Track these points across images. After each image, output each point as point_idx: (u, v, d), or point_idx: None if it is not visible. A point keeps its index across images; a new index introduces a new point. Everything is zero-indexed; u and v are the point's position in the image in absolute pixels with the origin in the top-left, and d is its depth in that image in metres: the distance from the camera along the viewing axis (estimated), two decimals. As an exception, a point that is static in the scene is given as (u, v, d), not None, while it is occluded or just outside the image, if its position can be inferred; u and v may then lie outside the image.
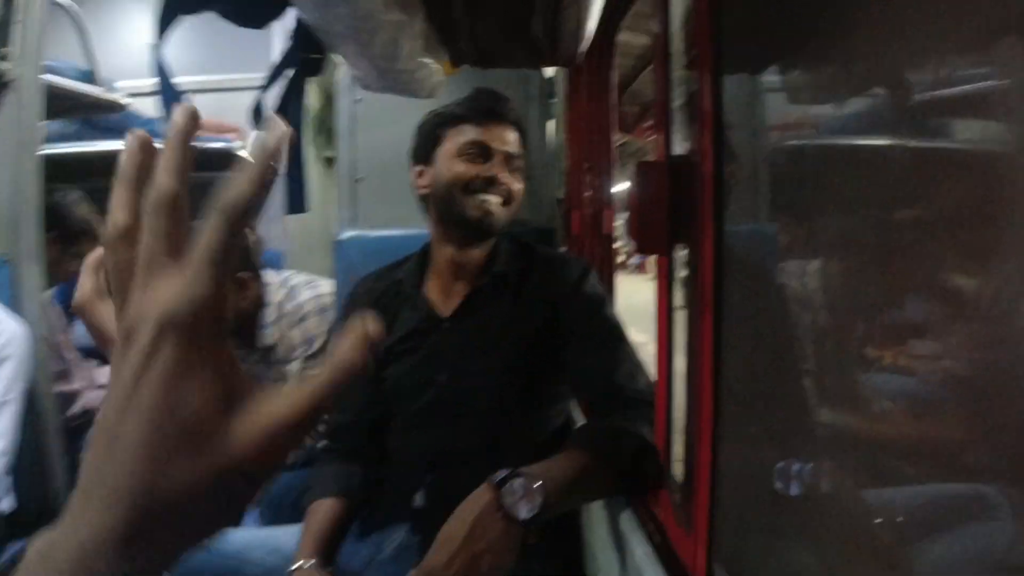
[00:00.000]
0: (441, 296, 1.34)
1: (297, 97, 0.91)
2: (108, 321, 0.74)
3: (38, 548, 0.30)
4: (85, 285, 0.72)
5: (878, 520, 0.56)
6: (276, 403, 0.32)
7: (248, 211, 0.32)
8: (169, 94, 0.71)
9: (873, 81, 0.56)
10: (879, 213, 0.55)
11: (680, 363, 0.94)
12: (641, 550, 0.90)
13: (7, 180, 1.79)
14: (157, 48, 0.71)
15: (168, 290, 0.30)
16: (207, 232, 0.31)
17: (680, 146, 0.85)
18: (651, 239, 0.81)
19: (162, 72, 0.69)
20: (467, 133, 1.29)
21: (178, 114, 0.34)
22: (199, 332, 0.30)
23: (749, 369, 0.80)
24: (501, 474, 0.93)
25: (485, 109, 1.29)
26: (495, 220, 1.28)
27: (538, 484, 0.92)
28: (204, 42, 3.32)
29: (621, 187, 1.57)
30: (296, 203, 0.97)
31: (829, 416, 0.67)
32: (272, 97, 1.00)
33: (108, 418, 0.30)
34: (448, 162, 1.29)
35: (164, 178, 0.32)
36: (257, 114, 0.94)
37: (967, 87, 0.45)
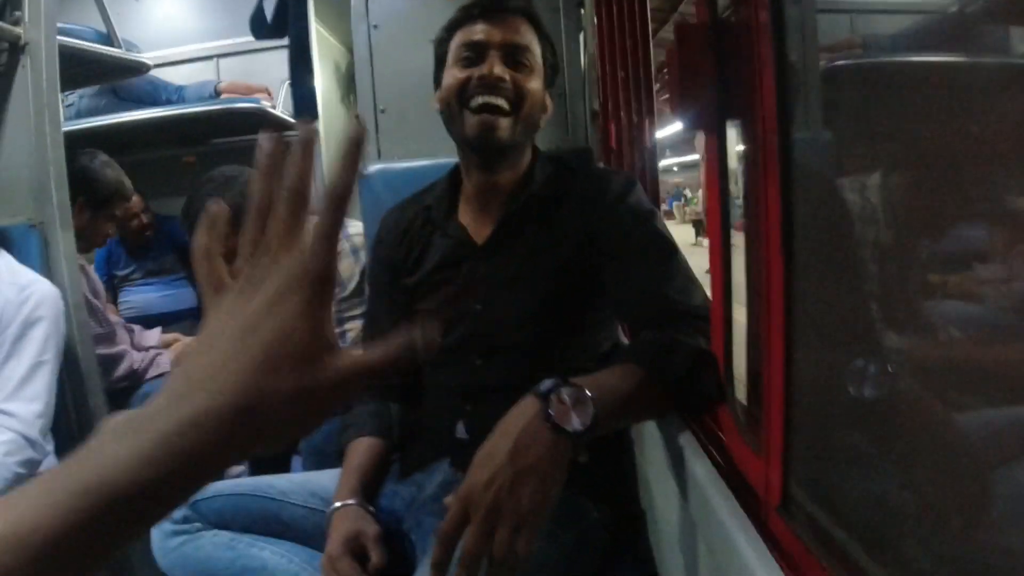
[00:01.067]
0: (474, 222, 1.24)
1: (300, 1, 0.82)
2: None
3: (113, 425, 0.37)
4: None
5: (962, 441, 0.50)
6: (352, 356, 0.42)
7: (347, 195, 0.43)
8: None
9: None
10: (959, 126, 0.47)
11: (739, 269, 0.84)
12: (704, 473, 0.81)
13: (30, 146, 1.78)
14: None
15: (297, 254, 0.41)
16: (323, 215, 0.41)
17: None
18: (698, 113, 0.71)
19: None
20: (464, 36, 1.18)
21: (303, 130, 0.44)
22: (316, 290, 0.40)
23: (824, 272, 0.68)
24: (547, 383, 0.82)
25: (482, 2, 1.18)
26: (499, 134, 1.14)
27: (589, 393, 0.82)
28: (229, 7, 3.30)
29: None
30: (305, 108, 0.89)
31: (911, 332, 0.58)
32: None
33: (222, 335, 0.40)
34: (447, 73, 1.19)
35: (296, 177, 0.42)
36: (256, 23, 0.86)
37: None
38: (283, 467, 2.00)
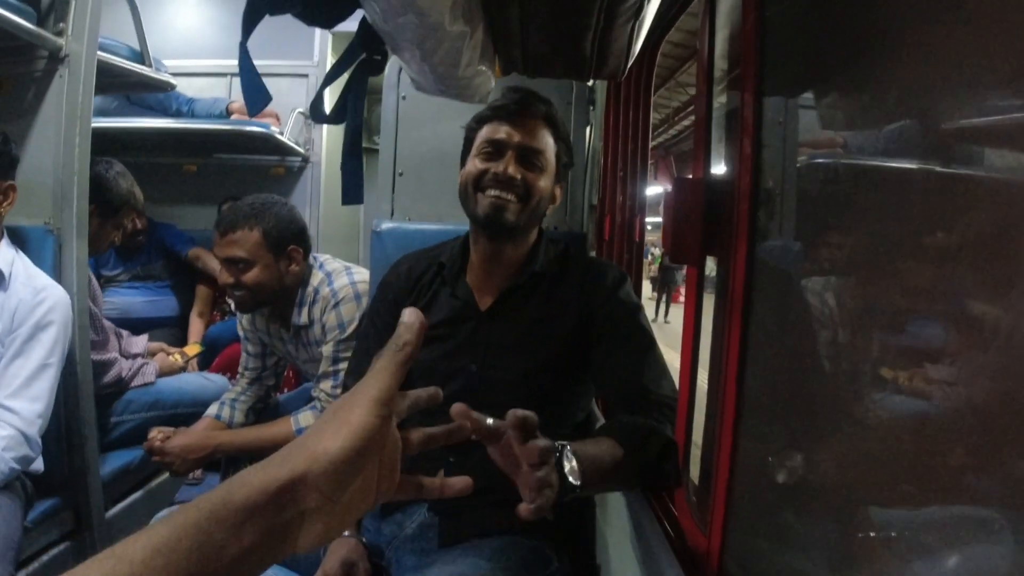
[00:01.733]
0: (479, 288, 1.38)
1: (358, 94, 0.96)
2: None
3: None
4: None
5: (885, 534, 0.59)
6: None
7: (408, 362, 0.58)
8: (254, 91, 0.76)
9: (907, 108, 0.58)
10: (906, 235, 0.57)
11: (703, 372, 1.00)
12: (656, 540, 0.95)
13: (57, 152, 1.85)
14: (243, 46, 0.76)
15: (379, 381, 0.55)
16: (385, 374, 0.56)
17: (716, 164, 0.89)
18: (685, 250, 0.86)
19: (247, 69, 0.74)
20: (489, 132, 1.31)
21: (410, 316, 0.60)
22: (382, 427, 0.53)
23: (771, 380, 0.83)
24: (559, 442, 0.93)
25: (508, 106, 1.31)
26: (507, 217, 1.28)
27: (577, 456, 0.93)
28: (249, 28, 3.38)
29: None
30: (352, 195, 1.02)
31: (846, 429, 0.68)
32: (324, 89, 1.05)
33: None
34: (470, 161, 1.33)
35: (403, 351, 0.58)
36: (316, 109, 0.99)
37: (998, 118, 0.48)
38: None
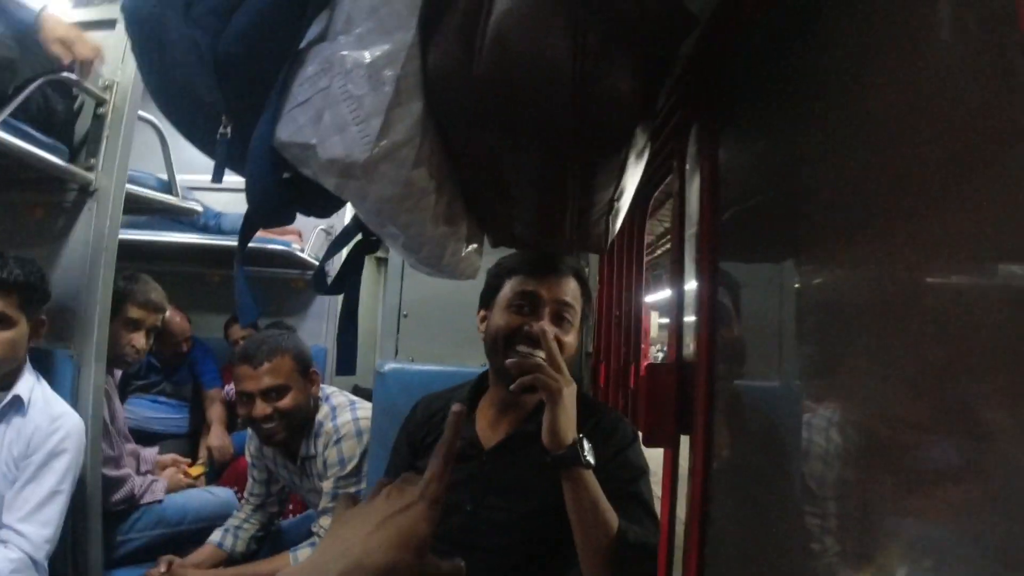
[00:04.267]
0: (488, 427, 1.39)
1: (355, 270, 1.02)
2: None
3: None
4: None
5: None
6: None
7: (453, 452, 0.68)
8: (246, 306, 0.81)
9: (861, 288, 0.60)
10: (858, 410, 0.59)
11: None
12: None
13: (81, 279, 1.94)
14: (239, 263, 0.82)
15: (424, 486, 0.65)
16: (435, 462, 0.66)
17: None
18: (659, 434, 0.89)
19: (241, 285, 0.80)
20: (520, 284, 1.32)
21: (455, 410, 0.70)
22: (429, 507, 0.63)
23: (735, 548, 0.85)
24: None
25: (540, 262, 1.32)
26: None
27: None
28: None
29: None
30: (345, 367, 1.07)
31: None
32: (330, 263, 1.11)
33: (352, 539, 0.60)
34: (499, 312, 1.33)
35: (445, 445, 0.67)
36: (319, 281, 1.05)
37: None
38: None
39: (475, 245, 1.00)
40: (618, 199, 0.88)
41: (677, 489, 0.95)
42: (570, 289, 1.33)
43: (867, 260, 0.60)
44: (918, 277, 0.52)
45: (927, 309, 0.51)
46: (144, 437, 2.57)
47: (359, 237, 1.02)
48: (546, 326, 1.27)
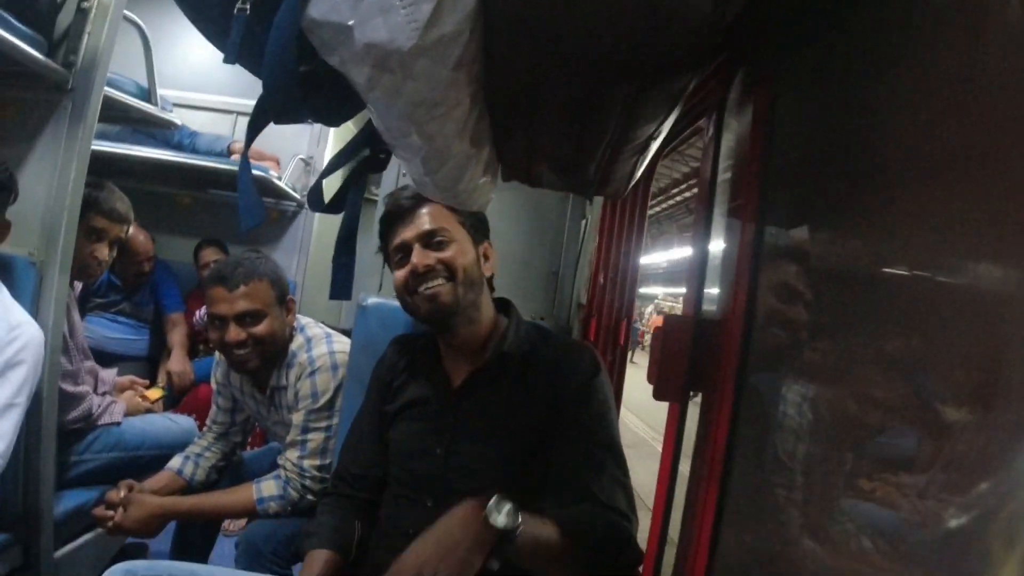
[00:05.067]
0: (452, 370, 1.37)
1: (358, 188, 0.95)
2: None
3: None
4: None
5: None
6: None
7: None
8: (250, 207, 0.75)
9: (907, 250, 0.58)
10: (901, 376, 0.56)
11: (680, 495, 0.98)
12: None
13: (50, 184, 1.82)
14: (245, 157, 0.75)
15: None
16: None
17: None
18: (669, 387, 0.85)
19: (246, 184, 0.73)
20: (392, 238, 1.36)
21: None
22: None
23: (751, 507, 0.82)
24: (491, 494, 1.02)
25: (398, 209, 1.35)
26: (443, 300, 1.29)
27: (520, 512, 1.02)
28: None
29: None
30: (340, 290, 1.01)
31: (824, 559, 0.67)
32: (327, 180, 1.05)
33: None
34: (394, 275, 1.36)
35: None
36: (314, 197, 0.99)
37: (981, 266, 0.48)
38: (207, 548, 2.03)
39: (489, 177, 0.94)
40: (656, 137, 0.83)
41: (681, 447, 0.92)
42: (434, 215, 1.33)
43: (930, 224, 0.55)
44: (991, 244, 0.48)
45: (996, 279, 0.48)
46: (101, 357, 2.46)
47: (366, 153, 0.96)
48: (424, 259, 1.29)
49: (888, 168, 0.60)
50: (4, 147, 1.82)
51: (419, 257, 1.30)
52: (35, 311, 1.75)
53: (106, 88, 1.98)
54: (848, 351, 0.66)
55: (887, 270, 0.61)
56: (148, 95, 2.30)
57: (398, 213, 1.34)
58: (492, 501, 1.01)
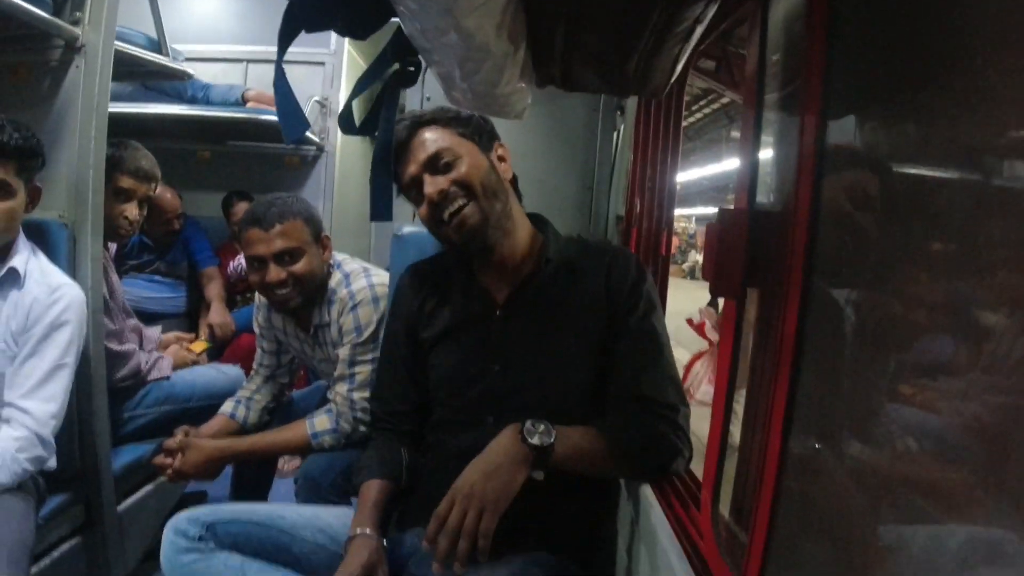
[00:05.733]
0: (493, 285, 1.35)
1: (390, 106, 0.92)
2: None
3: None
4: None
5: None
6: None
7: None
8: (291, 116, 0.73)
9: (988, 130, 0.54)
10: (990, 267, 0.52)
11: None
12: (679, 565, 0.93)
13: (72, 144, 1.82)
14: (279, 67, 0.72)
15: None
16: None
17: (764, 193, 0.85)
18: (726, 282, 0.83)
19: (283, 92, 0.71)
20: (404, 172, 1.31)
21: None
22: None
23: (820, 414, 0.80)
24: (529, 421, 1.14)
25: (403, 139, 1.30)
26: (474, 224, 1.27)
27: (554, 429, 1.13)
28: (261, 13, 3.34)
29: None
30: (381, 211, 0.99)
31: (898, 465, 0.64)
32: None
33: None
34: (417, 211, 1.34)
35: None
36: (346, 119, 0.96)
37: None
38: (264, 489, 2.08)
39: (526, 81, 0.91)
40: (701, 20, 0.78)
41: (740, 345, 0.90)
42: (434, 136, 1.30)
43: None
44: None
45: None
46: (142, 318, 2.49)
47: (394, 67, 0.92)
48: (435, 187, 1.27)
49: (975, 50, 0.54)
50: (22, 112, 1.79)
51: (431, 186, 1.27)
52: (72, 272, 1.76)
53: (116, 42, 1.96)
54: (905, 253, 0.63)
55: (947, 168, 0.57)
56: (159, 47, 2.25)
57: (399, 150, 1.30)
58: (527, 424, 1.13)
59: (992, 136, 0.53)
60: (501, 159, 1.36)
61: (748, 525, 0.84)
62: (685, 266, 15.90)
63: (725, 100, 9.47)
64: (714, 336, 4.23)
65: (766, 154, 0.87)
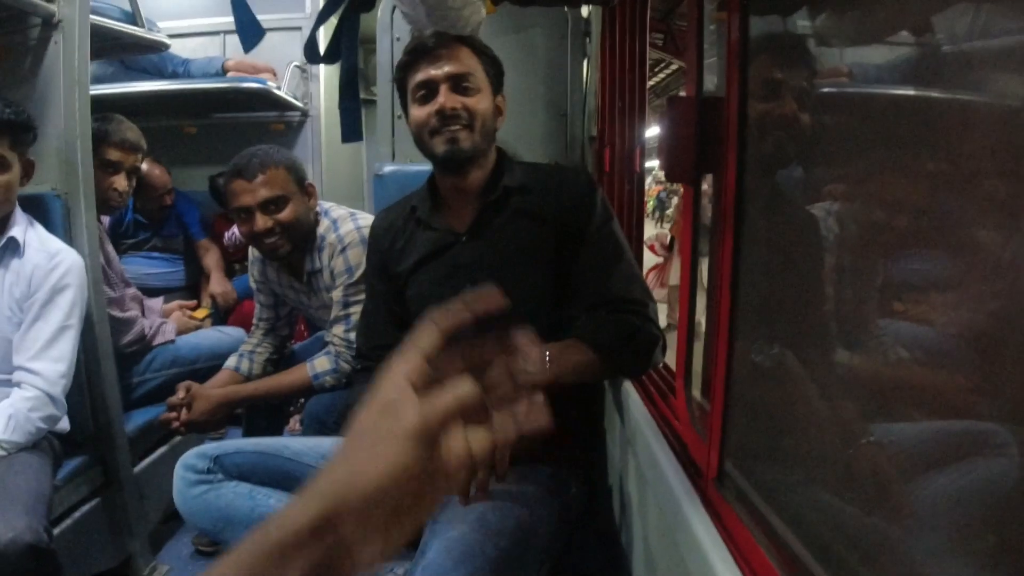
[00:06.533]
0: (455, 217, 1.43)
1: (351, 32, 0.97)
2: None
3: None
4: None
5: (876, 445, 0.59)
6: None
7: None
8: (247, 25, 0.77)
9: (903, 29, 0.57)
10: (899, 160, 0.56)
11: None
12: (662, 453, 1.00)
13: (58, 118, 1.86)
14: None
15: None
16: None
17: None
18: (679, 169, 0.88)
19: (239, 4, 0.75)
20: (415, 75, 1.36)
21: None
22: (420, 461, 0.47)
23: (763, 294, 0.86)
24: None
25: (424, 44, 1.34)
26: (463, 147, 1.35)
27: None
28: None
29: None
30: (350, 133, 1.04)
31: (834, 344, 0.69)
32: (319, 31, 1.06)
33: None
34: (411, 110, 1.39)
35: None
36: (311, 49, 1.00)
37: (1000, 40, 0.46)
38: (277, 432, 2.16)
39: (477, -3, 0.95)
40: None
41: (699, 231, 0.95)
42: (462, 57, 1.36)
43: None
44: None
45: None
46: (145, 294, 2.56)
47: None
48: (450, 101, 1.33)
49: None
50: (6, 91, 1.83)
51: (447, 99, 1.33)
52: (69, 240, 1.81)
53: (92, 16, 1.98)
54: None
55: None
56: (134, 19, 2.28)
57: (423, 50, 1.34)
58: None
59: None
60: (499, 109, 1.44)
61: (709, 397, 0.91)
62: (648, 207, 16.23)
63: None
64: (663, 253, 5.38)
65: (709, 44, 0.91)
